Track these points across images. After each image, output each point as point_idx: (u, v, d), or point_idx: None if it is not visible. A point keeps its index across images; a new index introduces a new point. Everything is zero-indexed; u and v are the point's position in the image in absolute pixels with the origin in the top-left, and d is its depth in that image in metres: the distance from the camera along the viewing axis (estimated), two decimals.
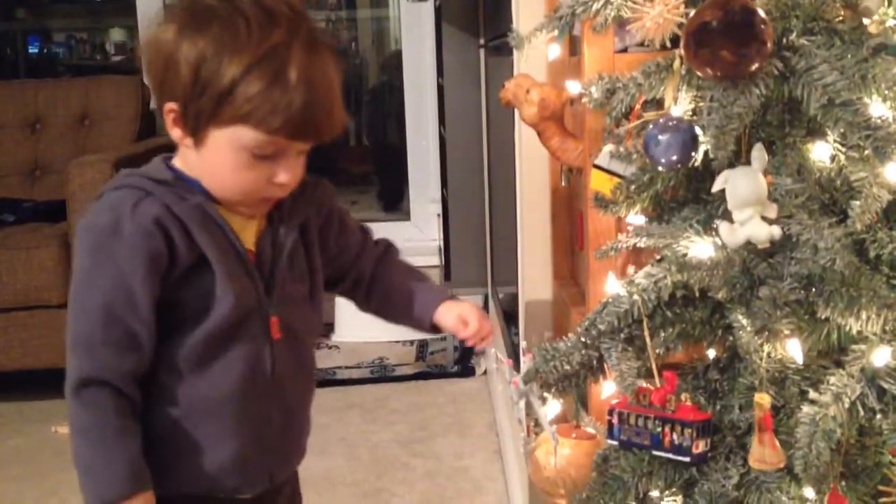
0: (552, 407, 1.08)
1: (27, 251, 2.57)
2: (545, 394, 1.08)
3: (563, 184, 1.40)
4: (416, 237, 3.70)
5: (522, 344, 1.12)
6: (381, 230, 4.06)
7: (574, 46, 1.37)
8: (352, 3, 4.19)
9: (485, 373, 2.92)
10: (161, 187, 1.00)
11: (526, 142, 1.62)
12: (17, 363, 2.62)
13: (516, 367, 1.19)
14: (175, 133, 1.01)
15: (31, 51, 4.64)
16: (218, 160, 0.99)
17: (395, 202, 4.04)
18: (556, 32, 1.11)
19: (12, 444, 2.50)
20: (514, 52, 1.65)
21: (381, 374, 2.99)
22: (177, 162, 1.05)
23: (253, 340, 1.04)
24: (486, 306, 3.10)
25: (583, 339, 1.03)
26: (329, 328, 3.41)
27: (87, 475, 0.99)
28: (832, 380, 0.92)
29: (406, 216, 3.76)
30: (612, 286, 1.08)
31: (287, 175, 1.01)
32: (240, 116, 0.95)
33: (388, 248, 1.23)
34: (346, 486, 2.22)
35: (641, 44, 1.17)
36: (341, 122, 1.03)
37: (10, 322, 2.59)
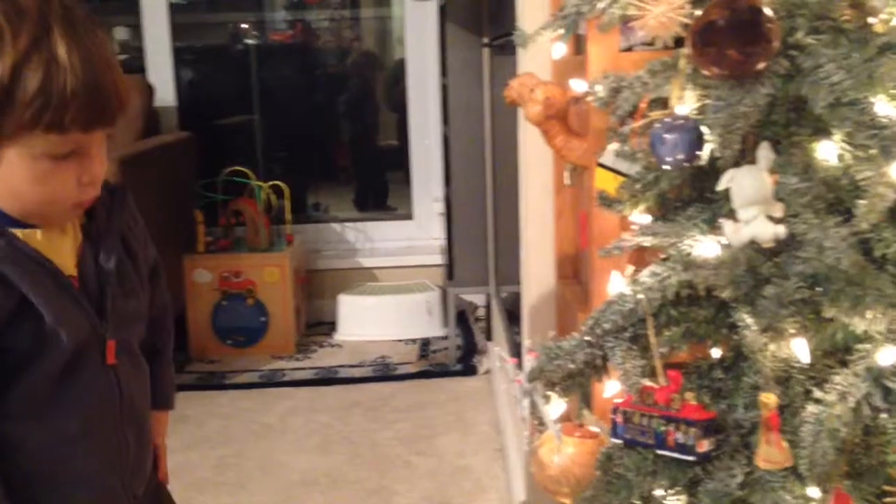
0: (556, 405, 1.08)
1: None
2: (549, 392, 1.08)
3: (567, 182, 1.40)
4: (419, 236, 3.70)
5: (526, 343, 1.11)
6: (383, 229, 4.06)
7: (579, 45, 1.37)
8: (356, 2, 4.19)
9: (487, 372, 2.92)
10: None
11: (529, 140, 1.62)
12: None
13: (519, 365, 1.19)
14: None
15: None
16: (16, 178, 0.89)
17: (377, 204, 4.04)
18: (561, 31, 1.11)
19: None
20: (518, 50, 1.65)
21: (384, 373, 2.99)
22: None
23: (94, 370, 0.97)
24: (488, 305, 3.10)
25: (587, 338, 1.03)
26: (331, 327, 3.41)
27: None
28: (837, 379, 0.92)
29: (409, 215, 3.76)
30: (616, 285, 1.08)
31: (95, 168, 0.92)
32: (26, 123, 0.85)
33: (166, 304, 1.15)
34: (348, 485, 2.22)
35: (647, 42, 1.17)
36: (127, 97, 0.92)
37: None
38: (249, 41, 3.96)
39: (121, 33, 4.54)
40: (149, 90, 3.24)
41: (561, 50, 1.17)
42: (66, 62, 0.86)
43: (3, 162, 0.88)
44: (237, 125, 3.86)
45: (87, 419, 0.98)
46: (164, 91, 3.51)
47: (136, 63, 3.65)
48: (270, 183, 3.30)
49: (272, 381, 2.94)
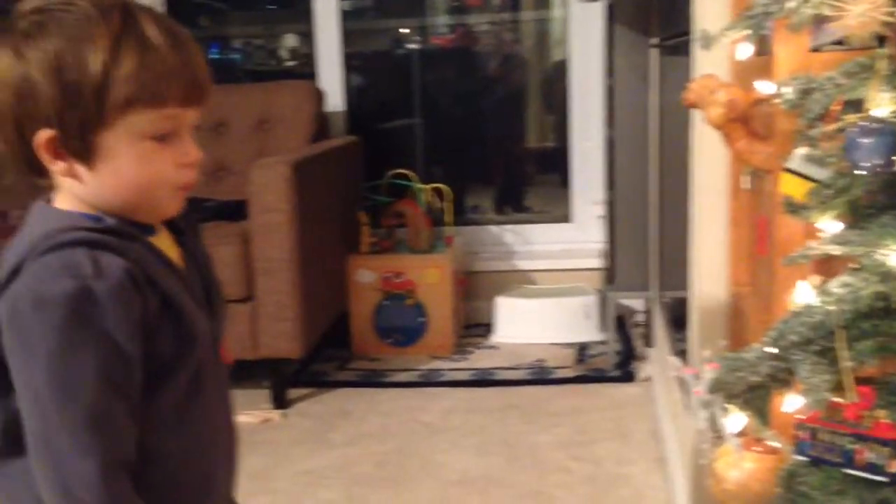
0: (736, 419, 1.04)
1: (210, 248, 2.70)
2: (728, 405, 1.04)
3: (746, 187, 1.36)
4: (578, 239, 3.68)
5: (705, 353, 1.08)
6: (542, 232, 4.07)
7: (760, 45, 1.32)
8: (516, 5, 4.20)
9: (646, 379, 2.86)
10: (99, 234, 0.89)
11: (704, 143, 1.58)
12: None
13: (697, 375, 1.16)
14: (59, 167, 0.90)
15: (212, 57, 4.90)
16: (122, 165, 0.90)
17: (516, 206, 4.03)
18: (747, 32, 1.08)
19: None
20: (694, 52, 1.61)
21: (540, 376, 2.99)
22: (62, 201, 0.94)
23: (213, 371, 0.98)
24: (648, 311, 3.04)
25: (771, 350, 1.00)
26: (488, 329, 3.44)
27: None
28: None
29: (567, 217, 3.74)
30: (803, 295, 1.04)
31: (192, 151, 0.94)
32: (127, 102, 0.87)
33: None
34: (505, 487, 2.23)
35: (836, 42, 1.12)
36: (212, 82, 0.95)
37: None
38: (412, 46, 4.04)
39: (291, 41, 4.73)
40: (319, 96, 3.35)
41: (747, 51, 1.13)
42: (158, 40, 0.89)
43: (105, 151, 0.89)
44: (400, 129, 3.95)
45: (215, 423, 0.99)
46: (334, 96, 3.63)
47: (306, 69, 3.80)
48: (432, 185, 3.36)
49: (431, 381, 2.98)
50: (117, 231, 0.91)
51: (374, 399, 2.85)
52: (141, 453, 0.91)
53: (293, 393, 2.84)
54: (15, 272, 0.87)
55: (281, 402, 2.75)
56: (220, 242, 2.72)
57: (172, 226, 1.02)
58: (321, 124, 3.31)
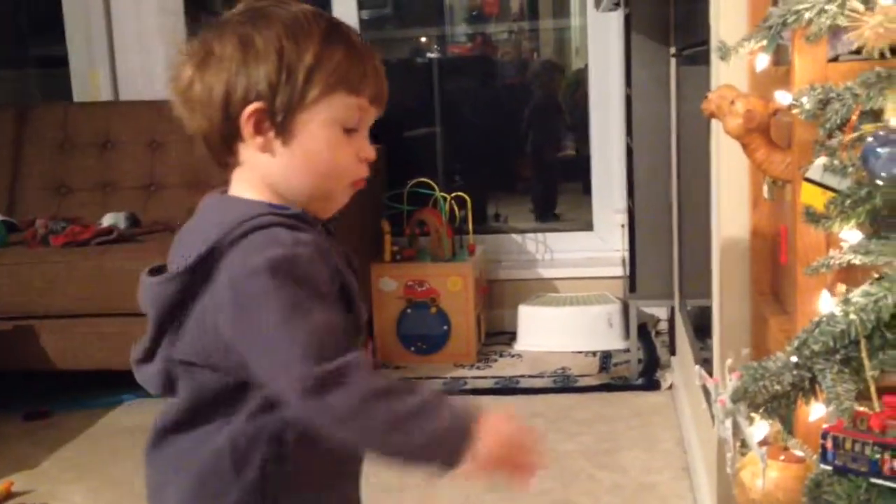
0: (760, 427, 1.05)
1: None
2: (752, 414, 1.05)
3: (766, 197, 1.36)
4: (600, 248, 3.68)
5: (728, 362, 1.09)
6: (564, 240, 4.06)
7: (778, 55, 1.33)
8: (534, 14, 4.22)
9: (670, 387, 2.86)
10: (290, 219, 0.98)
11: (724, 153, 1.58)
12: None
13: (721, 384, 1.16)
14: (257, 141, 0.99)
15: None
16: (313, 145, 0.99)
17: (546, 214, 4.04)
18: (764, 42, 1.08)
19: None
20: (713, 61, 1.62)
21: (564, 385, 2.99)
22: (244, 192, 1.02)
23: None
24: (671, 318, 3.04)
25: (794, 359, 1.00)
26: (511, 337, 3.44)
27: (429, 436, 0.92)
28: None
29: (589, 226, 3.74)
30: (825, 304, 1.04)
31: (371, 148, 1.04)
32: (331, 85, 0.99)
33: None
34: (531, 496, 2.23)
35: (853, 52, 1.12)
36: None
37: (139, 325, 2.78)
38: (432, 55, 4.06)
39: None
40: None
41: (764, 61, 1.14)
42: (359, 45, 1.03)
43: (300, 130, 0.99)
44: (421, 137, 3.97)
45: None
46: None
47: None
48: (453, 194, 3.37)
49: (455, 389, 2.99)
50: (303, 218, 1.00)
51: None
52: (300, 440, 0.97)
53: None
54: (210, 255, 0.95)
55: None
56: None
57: (325, 228, 1.08)
58: None
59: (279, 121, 0.98)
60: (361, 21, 3.77)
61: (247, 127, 0.99)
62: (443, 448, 0.92)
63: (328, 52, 0.99)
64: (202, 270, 0.95)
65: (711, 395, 1.09)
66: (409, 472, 0.94)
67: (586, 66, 3.67)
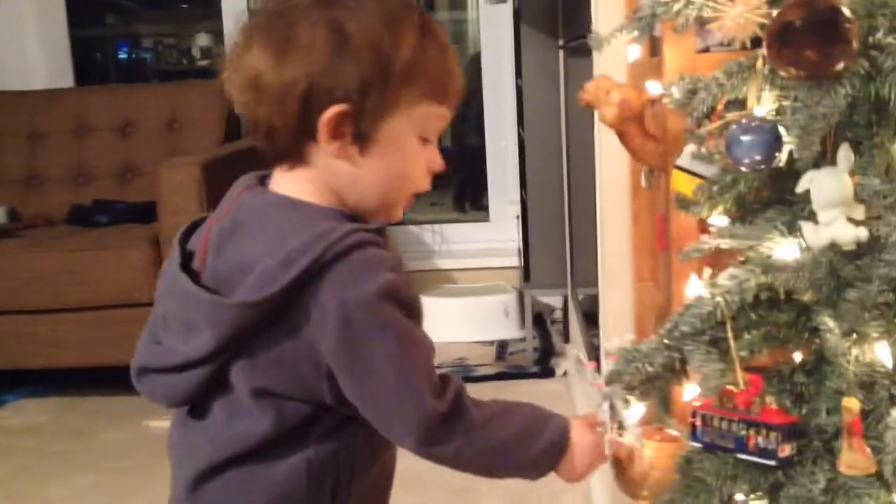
0: (636, 409, 1.07)
1: (120, 251, 2.67)
2: (628, 396, 1.07)
3: (643, 185, 1.40)
4: (496, 238, 3.71)
5: (605, 345, 1.11)
6: (460, 231, 4.11)
7: (655, 47, 1.36)
8: (431, 5, 4.22)
9: (565, 374, 2.91)
10: (375, 234, 0.90)
11: (605, 143, 1.62)
12: (111, 359, 2.72)
13: (598, 368, 1.19)
14: (332, 147, 0.88)
15: (120, 56, 4.80)
16: (396, 155, 0.91)
17: (474, 203, 4.06)
18: (635, 33, 1.11)
19: (107, 437, 2.60)
20: (594, 53, 1.65)
21: (462, 374, 3.01)
22: (305, 194, 0.91)
23: None
24: (565, 307, 3.09)
25: (665, 341, 1.03)
26: None
27: (529, 458, 0.97)
28: None
29: (485, 217, 3.78)
30: (694, 288, 1.07)
31: (440, 160, 0.96)
32: (424, 91, 0.89)
33: None
34: (435, 487, 2.24)
35: (724, 43, 1.16)
36: None
37: (103, 319, 2.70)
38: None
39: (203, 39, 4.66)
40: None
41: (636, 52, 1.16)
42: (446, 44, 0.92)
43: (383, 140, 0.90)
44: None
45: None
46: None
47: (216, 68, 3.74)
48: None
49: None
50: (383, 231, 0.92)
51: None
52: (363, 462, 0.95)
53: None
54: (306, 274, 0.84)
55: None
56: (129, 245, 2.68)
57: None
58: (231, 125, 3.27)
59: (364, 125, 0.88)
60: (252, 11, 3.70)
61: (324, 129, 0.88)
62: (539, 467, 0.99)
63: (426, 50, 0.89)
64: (293, 296, 0.85)
65: (588, 378, 1.11)
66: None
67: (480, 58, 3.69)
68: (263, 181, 0.96)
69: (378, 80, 0.86)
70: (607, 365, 1.11)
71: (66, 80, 3.65)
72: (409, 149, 0.92)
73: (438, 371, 0.92)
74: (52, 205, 3.15)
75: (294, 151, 0.91)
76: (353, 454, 0.94)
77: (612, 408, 1.09)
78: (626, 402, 1.10)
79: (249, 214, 0.91)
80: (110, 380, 2.92)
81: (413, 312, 0.89)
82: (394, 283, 0.86)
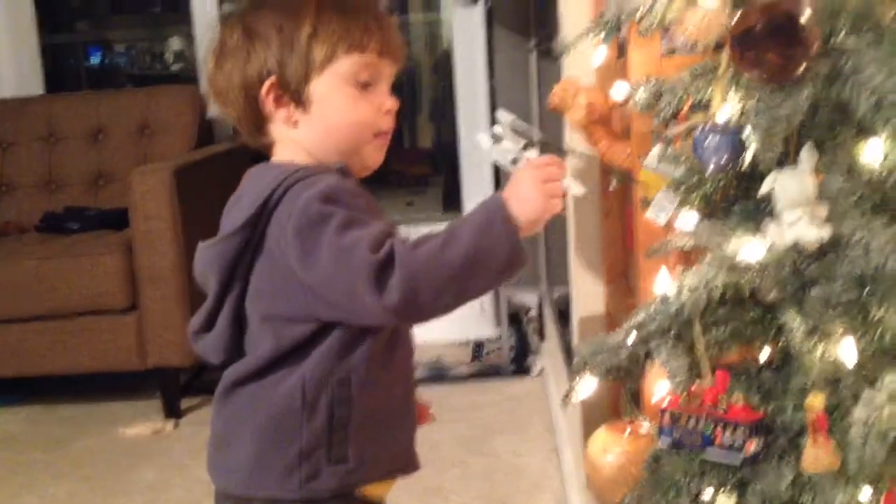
0: (587, 383, 1.08)
1: (92, 258, 2.65)
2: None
3: (613, 185, 1.41)
4: None
5: (575, 343, 1.13)
6: (437, 231, 4.01)
7: (622, 50, 1.38)
8: (404, 7, 4.23)
9: (540, 372, 2.93)
10: (329, 169, 1.04)
11: (576, 143, 1.63)
12: (84, 367, 2.70)
13: (569, 362, 1.20)
14: (281, 114, 1.05)
15: (92, 62, 4.76)
16: (332, 107, 1.05)
17: (451, 203, 4.06)
18: (601, 37, 1.12)
19: (81, 445, 2.58)
20: (563, 55, 1.66)
21: (438, 374, 3.02)
22: (285, 157, 1.07)
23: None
24: (540, 306, 3.11)
25: (631, 336, 1.04)
26: None
27: (491, 256, 0.98)
28: (887, 380, 0.92)
29: (461, 216, 3.78)
30: (662, 285, 1.09)
31: (391, 100, 1.08)
32: (332, 49, 1.03)
33: None
34: (407, 485, 2.24)
35: (689, 46, 1.17)
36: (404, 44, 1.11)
37: (76, 327, 2.67)
38: None
39: (176, 44, 4.64)
40: (202, 100, 3.30)
41: (602, 55, 1.18)
42: (354, 5, 1.06)
43: (317, 95, 1.04)
44: None
45: (409, 362, 1.12)
46: None
47: (192, 74, 3.73)
48: None
49: None
50: (346, 171, 1.05)
51: None
52: (362, 384, 1.03)
53: (186, 402, 2.80)
54: (263, 208, 0.99)
55: (173, 412, 2.71)
56: (102, 252, 2.66)
57: None
58: (204, 130, 3.26)
59: (294, 90, 1.04)
60: (222, 17, 3.68)
61: (268, 103, 1.05)
62: (507, 251, 0.98)
63: (324, 17, 1.04)
64: (259, 225, 1.00)
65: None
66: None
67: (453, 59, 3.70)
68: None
69: (289, 52, 1.03)
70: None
71: (36, 87, 3.62)
72: (345, 98, 1.05)
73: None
74: (24, 212, 3.12)
75: (261, 133, 1.08)
76: (351, 376, 1.02)
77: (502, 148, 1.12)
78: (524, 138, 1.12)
79: (244, 184, 1.08)
80: (84, 387, 2.91)
81: (359, 206, 0.99)
82: (332, 187, 0.98)
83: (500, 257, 0.97)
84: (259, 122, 1.08)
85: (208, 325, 1.07)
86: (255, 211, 1.00)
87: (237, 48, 1.06)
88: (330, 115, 1.05)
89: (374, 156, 1.10)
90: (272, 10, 1.06)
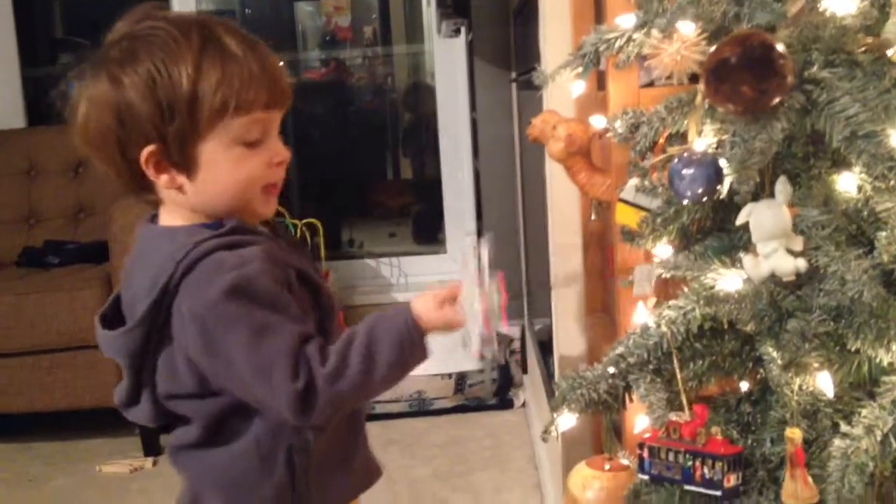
0: (567, 420, 1.07)
1: (71, 292, 2.63)
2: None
3: (592, 217, 1.41)
4: (453, 270, 3.71)
5: (556, 376, 1.12)
6: (418, 263, 4.08)
7: (601, 81, 1.38)
8: (387, 39, 4.25)
9: (523, 405, 2.91)
10: (228, 237, 0.98)
11: (556, 176, 1.63)
12: (61, 403, 2.66)
13: (551, 394, 1.18)
14: (163, 179, 0.98)
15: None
16: (219, 171, 0.98)
17: (431, 235, 4.06)
18: (579, 69, 1.13)
19: (59, 484, 2.54)
20: (543, 87, 1.67)
21: (419, 408, 2.99)
22: (174, 220, 1.02)
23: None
24: (522, 338, 3.10)
25: (610, 370, 1.04)
26: None
27: (398, 365, 0.99)
28: (864, 412, 0.91)
29: (443, 249, 3.78)
30: (641, 317, 1.08)
31: (283, 150, 1.01)
32: (217, 111, 0.95)
33: None
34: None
35: (667, 77, 1.18)
36: (289, 87, 1.04)
37: (54, 363, 2.64)
38: None
39: None
40: None
41: (580, 88, 1.18)
42: (237, 51, 0.96)
43: (203, 160, 0.97)
44: None
45: None
46: None
47: None
48: (305, 221, 3.34)
49: None
50: (240, 230, 0.99)
51: None
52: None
53: (165, 439, 2.76)
54: (162, 297, 0.95)
55: (152, 449, 2.67)
56: (81, 286, 2.63)
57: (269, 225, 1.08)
58: None
59: (177, 158, 0.97)
60: None
61: (149, 170, 0.98)
62: (411, 358, 1.01)
63: (204, 75, 0.95)
64: (159, 313, 0.96)
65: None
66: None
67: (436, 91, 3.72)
68: (154, 218, 1.06)
69: (168, 117, 0.95)
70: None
71: (17, 120, 3.61)
72: (232, 160, 0.98)
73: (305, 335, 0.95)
74: (3, 247, 3.09)
75: (144, 191, 1.01)
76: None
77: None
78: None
79: (137, 250, 1.03)
80: (61, 424, 2.86)
81: (271, 303, 0.95)
82: (239, 280, 0.93)
83: (411, 367, 1.02)
84: (140, 181, 1.00)
85: (133, 399, 1.03)
86: (154, 300, 0.95)
87: (107, 105, 0.96)
88: (217, 178, 0.98)
89: (263, 208, 1.03)
90: (143, 62, 0.95)
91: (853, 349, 0.92)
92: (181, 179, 0.98)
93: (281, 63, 1.02)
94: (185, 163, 0.97)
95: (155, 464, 2.62)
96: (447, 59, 3.63)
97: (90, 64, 0.99)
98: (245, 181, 0.99)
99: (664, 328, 1.01)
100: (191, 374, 0.98)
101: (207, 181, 0.98)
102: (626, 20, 1.08)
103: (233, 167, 0.98)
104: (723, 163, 0.97)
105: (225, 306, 0.93)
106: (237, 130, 0.97)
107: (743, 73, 0.90)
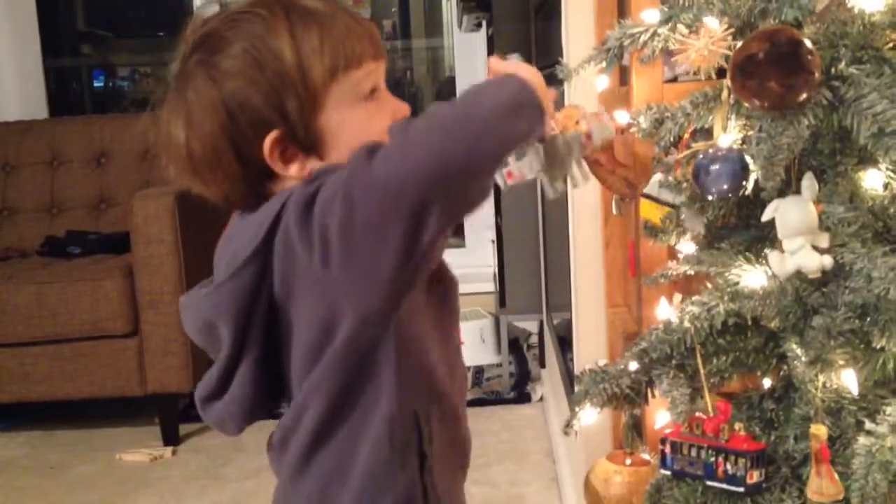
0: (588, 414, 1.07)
1: (93, 283, 2.65)
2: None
3: (614, 212, 1.41)
4: (472, 264, 3.72)
5: (577, 371, 1.12)
6: None
7: (624, 76, 1.38)
8: (407, 33, 4.25)
9: (541, 399, 2.91)
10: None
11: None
12: (83, 392, 2.69)
13: (570, 389, 1.19)
14: (293, 169, 0.88)
15: (96, 85, 4.78)
16: (349, 135, 0.87)
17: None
18: (603, 64, 1.12)
19: (80, 471, 2.57)
20: (564, 82, 1.67)
21: None
22: None
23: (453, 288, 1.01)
24: (541, 332, 3.10)
25: (633, 365, 1.04)
26: None
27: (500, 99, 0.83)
28: (889, 410, 0.91)
29: (461, 243, 3.78)
30: (664, 313, 1.08)
31: (403, 104, 0.93)
32: (329, 71, 0.87)
33: None
34: None
35: (691, 73, 1.18)
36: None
37: (76, 352, 2.67)
38: None
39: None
40: None
41: (604, 83, 1.18)
42: (325, 10, 0.88)
43: (332, 132, 0.87)
44: None
45: (455, 338, 0.98)
46: None
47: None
48: None
49: None
50: None
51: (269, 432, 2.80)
52: (419, 365, 0.89)
53: (184, 428, 2.78)
54: (277, 218, 0.83)
55: (172, 439, 2.69)
56: (102, 276, 2.66)
57: None
58: None
59: (303, 135, 0.87)
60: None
61: (275, 163, 0.87)
62: (522, 108, 0.84)
63: (303, 40, 0.86)
64: (272, 249, 0.84)
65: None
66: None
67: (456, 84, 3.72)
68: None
69: (282, 92, 0.86)
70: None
71: (40, 110, 3.63)
72: (360, 120, 0.89)
73: None
74: (26, 236, 3.13)
75: (260, 197, 0.89)
76: (429, 408, 0.89)
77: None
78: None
79: (234, 230, 0.92)
80: (83, 412, 2.89)
81: None
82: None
83: (524, 118, 0.85)
84: (260, 182, 0.89)
85: (223, 384, 0.90)
86: (268, 229, 0.84)
87: (211, 105, 0.86)
88: (351, 142, 0.86)
89: None
90: (237, 44, 0.87)
91: (878, 346, 0.92)
92: (312, 163, 0.88)
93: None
94: (312, 140, 0.87)
95: (174, 453, 2.65)
96: (468, 53, 3.63)
97: (172, 86, 0.90)
98: (371, 136, 0.86)
99: (687, 324, 1.01)
100: (311, 309, 0.84)
101: (342, 150, 0.87)
102: (650, 15, 1.08)
103: (363, 126, 0.88)
104: (748, 159, 0.97)
105: (307, 188, 0.82)
106: (355, 86, 0.88)
107: (770, 68, 0.90)
